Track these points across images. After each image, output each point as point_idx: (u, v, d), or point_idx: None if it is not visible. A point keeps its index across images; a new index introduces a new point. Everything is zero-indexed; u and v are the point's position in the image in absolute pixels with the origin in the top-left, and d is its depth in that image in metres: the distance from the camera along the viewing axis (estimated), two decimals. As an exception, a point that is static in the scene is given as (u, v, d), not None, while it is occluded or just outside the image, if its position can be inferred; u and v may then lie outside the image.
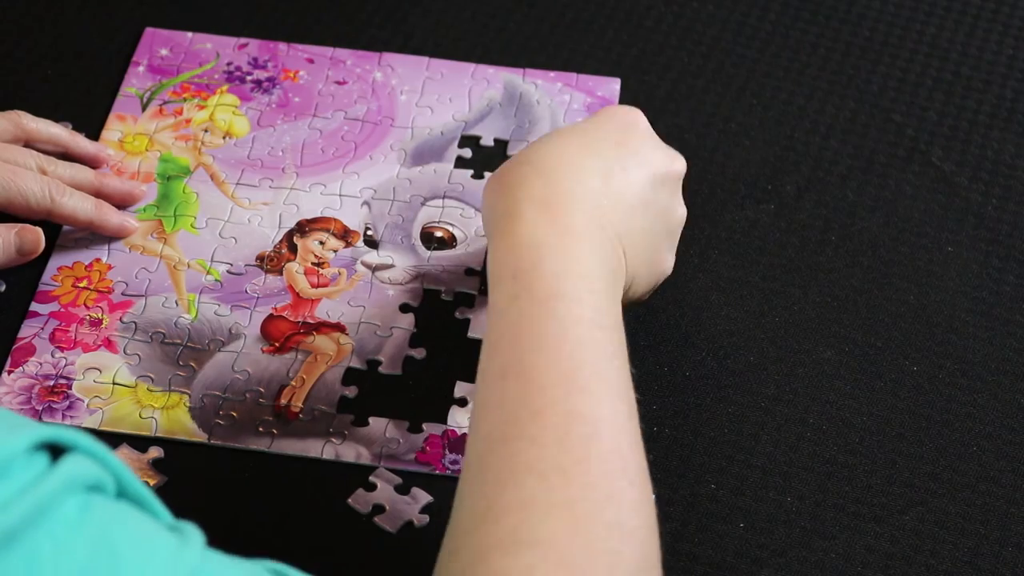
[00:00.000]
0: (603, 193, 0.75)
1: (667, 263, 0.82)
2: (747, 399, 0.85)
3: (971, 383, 0.86)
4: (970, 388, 0.86)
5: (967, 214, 0.95)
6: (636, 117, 0.81)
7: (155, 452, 0.81)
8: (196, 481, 0.81)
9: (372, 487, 0.80)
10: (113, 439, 0.81)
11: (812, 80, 1.02)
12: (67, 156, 0.93)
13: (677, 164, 0.81)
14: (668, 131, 0.94)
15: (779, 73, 1.03)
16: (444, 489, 0.80)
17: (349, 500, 0.80)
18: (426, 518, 0.79)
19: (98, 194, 0.90)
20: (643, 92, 1.00)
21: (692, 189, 0.95)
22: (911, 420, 0.85)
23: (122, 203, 0.91)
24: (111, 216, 0.89)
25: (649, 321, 0.88)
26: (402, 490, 0.80)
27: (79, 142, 0.93)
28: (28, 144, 0.92)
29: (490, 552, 0.61)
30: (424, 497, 0.80)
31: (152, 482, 0.80)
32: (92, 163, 0.93)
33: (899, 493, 0.81)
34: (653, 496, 0.67)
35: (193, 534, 0.54)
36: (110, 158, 0.94)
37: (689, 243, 0.92)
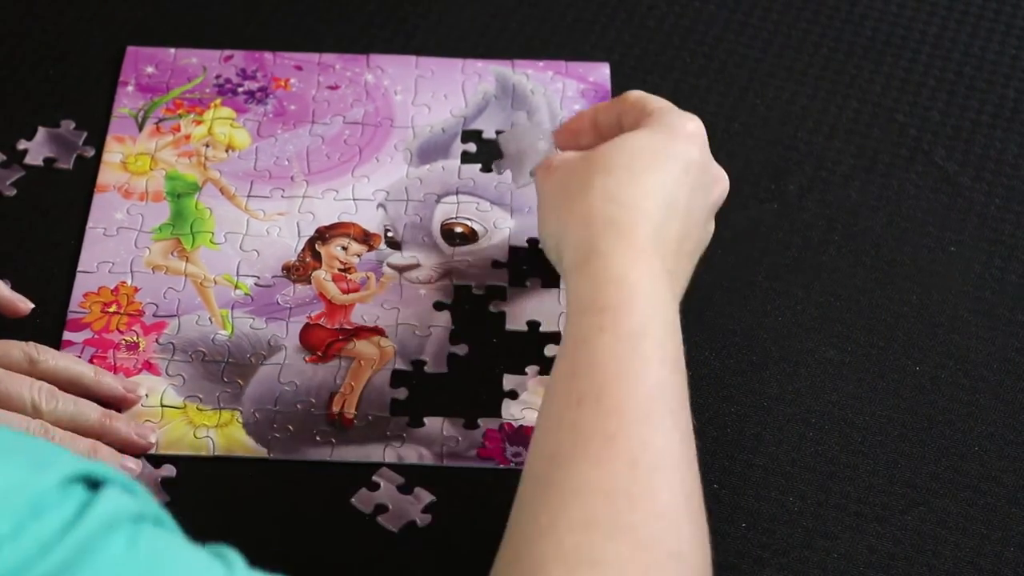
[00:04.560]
0: (679, 229, 0.76)
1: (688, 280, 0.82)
2: (749, 399, 0.85)
3: (973, 383, 0.86)
4: (972, 388, 0.86)
5: (970, 214, 0.95)
6: (697, 130, 0.79)
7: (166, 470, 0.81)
8: (196, 482, 0.81)
9: (375, 487, 0.80)
10: (172, 462, 0.81)
11: (815, 80, 1.02)
12: (91, 395, 0.82)
13: (726, 187, 0.81)
14: (670, 131, 0.94)
15: (782, 73, 1.03)
16: (446, 488, 0.80)
17: (352, 500, 0.80)
18: (429, 517, 0.79)
19: (100, 439, 0.79)
20: (645, 92, 1.00)
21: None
22: (913, 420, 0.85)
23: (126, 451, 0.80)
24: (108, 464, 0.77)
25: (651, 321, 0.88)
26: (405, 490, 0.80)
27: (104, 382, 0.82)
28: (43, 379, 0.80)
29: (550, 566, 0.61)
30: (427, 497, 0.80)
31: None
32: (119, 405, 0.82)
33: (901, 493, 0.81)
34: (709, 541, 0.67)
35: (235, 559, 0.54)
36: (142, 398, 0.83)
37: (691, 243, 0.92)
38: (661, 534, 0.63)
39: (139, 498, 0.53)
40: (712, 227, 0.82)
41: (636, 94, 0.83)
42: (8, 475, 0.49)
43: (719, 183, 0.81)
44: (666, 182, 0.76)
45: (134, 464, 0.79)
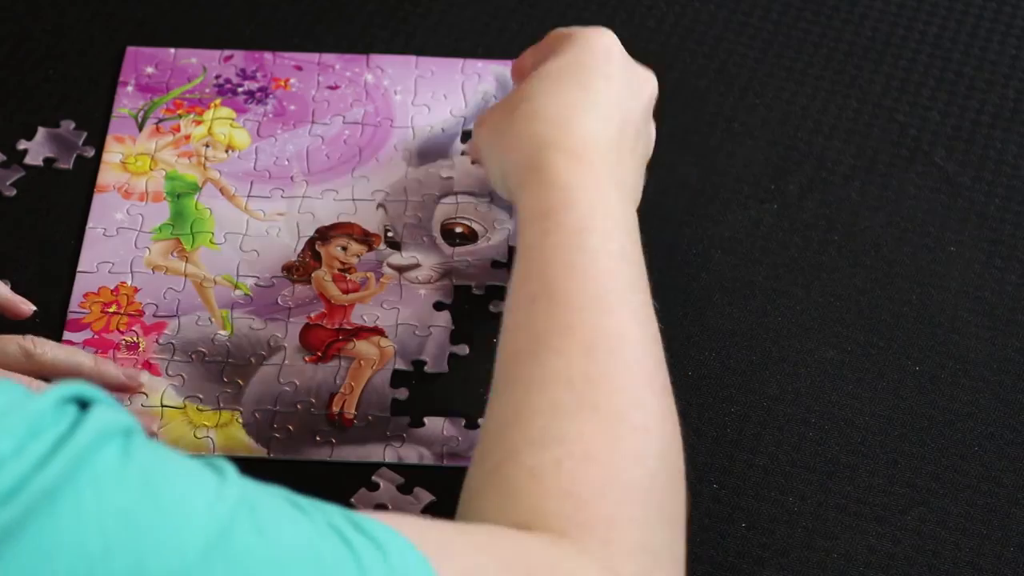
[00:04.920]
0: (614, 134, 0.79)
1: (640, 185, 0.85)
2: (749, 399, 0.85)
3: (973, 383, 0.86)
4: (972, 388, 0.86)
5: (970, 214, 0.95)
6: (610, 42, 0.83)
7: None
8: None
9: (375, 487, 0.80)
10: None
11: (815, 80, 1.02)
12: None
13: (654, 86, 0.85)
14: (671, 131, 0.94)
15: (782, 73, 1.03)
16: (447, 488, 0.80)
17: (352, 500, 0.80)
18: (428, 517, 0.79)
19: None
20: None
21: (695, 189, 0.95)
22: (913, 420, 0.85)
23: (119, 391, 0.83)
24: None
25: (651, 321, 0.88)
26: (404, 490, 0.80)
27: (105, 371, 0.82)
28: (41, 376, 0.80)
29: (519, 450, 0.65)
30: (426, 496, 0.80)
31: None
32: (122, 392, 0.83)
33: (901, 493, 0.81)
34: (675, 409, 0.70)
35: (228, 467, 0.54)
36: (143, 385, 0.84)
37: (692, 242, 0.92)
38: (623, 409, 0.66)
39: (130, 416, 0.53)
40: (652, 129, 0.85)
41: (556, 30, 0.87)
42: (6, 398, 0.50)
43: (647, 83, 0.84)
44: (587, 92, 0.79)
45: (146, 379, 0.84)
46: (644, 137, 0.83)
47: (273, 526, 0.53)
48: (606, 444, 0.65)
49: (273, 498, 0.55)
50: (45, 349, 0.80)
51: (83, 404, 0.52)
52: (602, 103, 0.79)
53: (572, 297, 0.70)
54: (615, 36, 0.83)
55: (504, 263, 0.90)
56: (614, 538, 0.63)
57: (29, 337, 0.80)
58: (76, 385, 0.52)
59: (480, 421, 0.83)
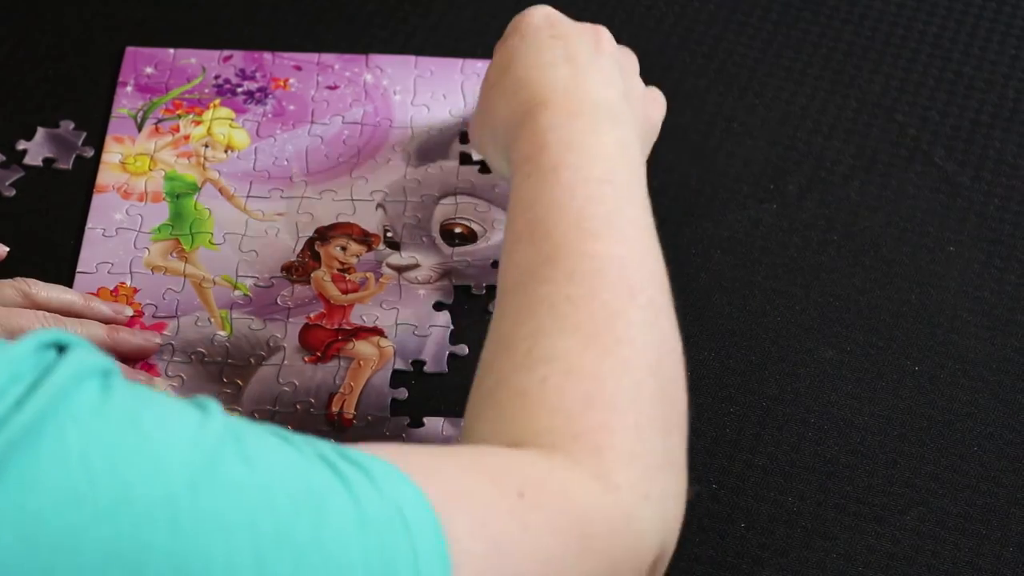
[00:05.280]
0: (571, 80, 0.80)
1: (655, 111, 0.88)
2: (749, 399, 0.85)
3: (972, 383, 0.86)
4: (971, 388, 0.86)
5: (969, 214, 0.95)
6: (548, 10, 0.86)
7: None
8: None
9: (373, 487, 0.80)
10: None
11: (814, 80, 1.02)
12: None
13: (608, 36, 0.86)
14: (670, 131, 0.93)
15: (781, 73, 1.03)
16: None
17: (350, 500, 0.80)
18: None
19: (111, 352, 0.83)
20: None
21: (695, 189, 0.95)
22: (912, 420, 0.85)
23: (137, 358, 0.85)
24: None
25: (651, 321, 0.88)
26: (403, 490, 0.80)
27: (93, 306, 0.86)
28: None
29: (507, 375, 0.66)
30: (425, 497, 0.80)
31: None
32: (112, 323, 0.86)
33: (900, 493, 0.81)
34: (674, 319, 0.71)
35: (212, 405, 0.54)
36: (128, 318, 0.87)
37: (691, 242, 0.92)
38: (605, 324, 0.67)
39: (109, 361, 0.54)
40: (639, 85, 0.87)
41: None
42: None
43: (596, 33, 0.85)
44: (547, 50, 0.82)
45: (158, 339, 0.85)
46: (626, 72, 0.85)
47: (260, 455, 0.53)
48: (589, 359, 0.66)
49: (259, 430, 0.55)
50: (38, 289, 0.85)
51: (61, 349, 0.52)
52: (548, 59, 0.81)
53: (552, 230, 0.71)
54: (546, 7, 0.86)
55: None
56: (605, 447, 0.63)
57: (21, 279, 0.85)
58: (53, 331, 0.52)
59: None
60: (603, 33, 0.85)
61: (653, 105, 0.88)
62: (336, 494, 0.53)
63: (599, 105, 0.79)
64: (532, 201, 0.74)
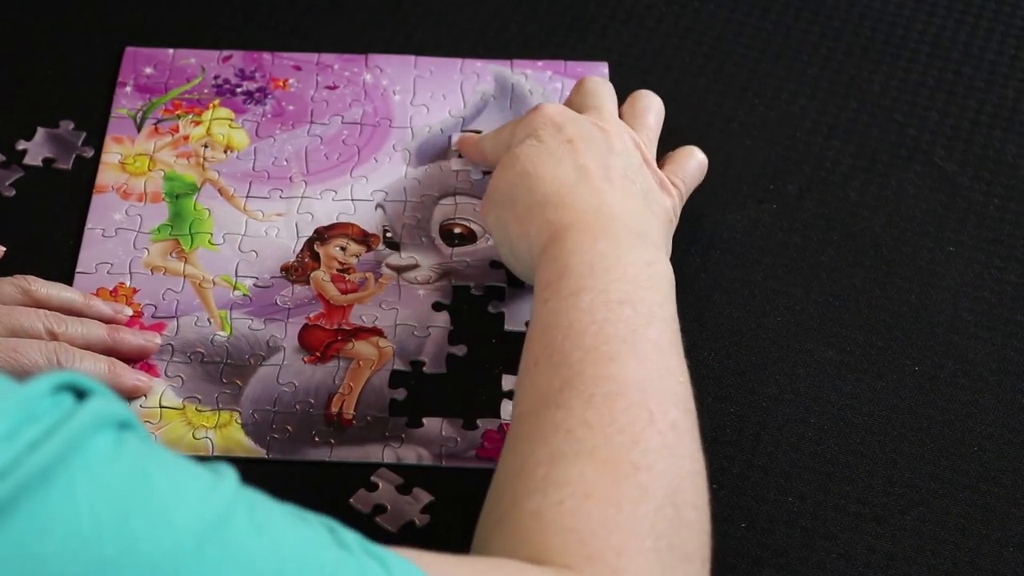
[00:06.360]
0: (597, 199, 0.81)
1: (665, 197, 0.87)
2: (749, 399, 0.85)
3: (972, 383, 0.86)
4: (971, 388, 0.86)
5: (969, 214, 0.95)
6: (555, 110, 0.86)
7: None
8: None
9: (374, 487, 0.80)
10: None
11: (814, 80, 1.02)
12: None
13: (630, 134, 0.87)
14: (670, 131, 0.94)
15: (781, 73, 1.03)
16: (445, 488, 0.80)
17: (351, 500, 0.80)
18: (427, 518, 0.79)
19: (111, 351, 0.83)
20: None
21: (695, 188, 0.95)
22: (912, 420, 0.85)
23: (137, 358, 0.85)
24: (125, 377, 0.83)
25: (650, 321, 0.88)
26: (403, 490, 0.80)
27: (93, 305, 0.86)
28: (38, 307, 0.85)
29: (522, 498, 0.66)
30: (425, 497, 0.80)
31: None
32: (112, 324, 0.86)
33: (900, 493, 0.81)
34: (697, 439, 0.71)
35: (227, 470, 0.54)
36: (128, 317, 0.87)
37: (691, 243, 0.92)
38: (623, 449, 0.67)
39: (127, 410, 0.53)
40: (653, 173, 0.86)
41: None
42: (1, 383, 0.51)
43: (621, 132, 0.86)
44: (556, 164, 0.83)
45: (150, 381, 0.84)
46: (645, 180, 0.85)
47: (271, 524, 0.53)
48: (606, 484, 0.65)
49: (273, 503, 0.55)
50: (38, 287, 0.84)
51: (80, 393, 0.52)
52: (593, 173, 0.82)
53: (570, 354, 0.71)
54: (549, 105, 0.87)
55: (502, 264, 0.90)
56: (621, 570, 0.63)
57: (20, 276, 0.85)
58: (69, 374, 0.52)
59: (479, 423, 0.83)
60: (612, 126, 0.86)
61: (665, 189, 0.87)
62: (347, 574, 0.53)
63: (622, 223, 0.79)
64: (550, 325, 0.74)
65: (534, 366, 0.73)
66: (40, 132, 0.97)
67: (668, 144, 0.92)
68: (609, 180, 0.82)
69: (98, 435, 0.50)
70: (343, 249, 0.91)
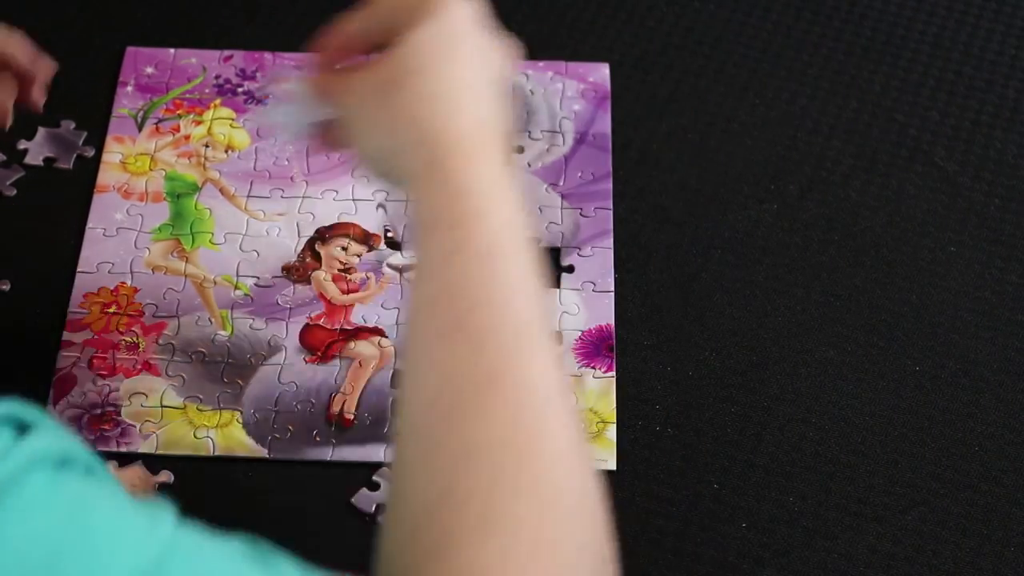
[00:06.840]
0: (499, 110, 0.70)
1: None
2: (750, 398, 0.85)
3: (973, 383, 0.86)
4: (972, 388, 0.86)
5: (970, 214, 0.95)
6: (471, 9, 0.72)
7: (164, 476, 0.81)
8: (196, 482, 0.81)
9: (375, 487, 0.80)
10: (171, 461, 0.82)
11: (814, 80, 1.02)
12: None
13: (507, 59, 0.73)
14: (671, 131, 0.94)
15: (781, 73, 1.03)
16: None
17: (352, 500, 0.80)
18: None
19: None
20: (644, 92, 1.00)
21: (695, 189, 0.95)
22: (913, 420, 0.85)
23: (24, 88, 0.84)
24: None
25: (653, 321, 0.88)
26: (404, 490, 0.80)
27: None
28: None
29: (459, 537, 0.57)
30: (426, 497, 0.80)
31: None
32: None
33: (901, 493, 0.81)
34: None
35: (165, 509, 0.53)
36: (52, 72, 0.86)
37: (692, 243, 0.92)
38: (562, 484, 0.59)
39: (69, 444, 0.52)
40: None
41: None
42: None
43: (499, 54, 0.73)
44: (470, 69, 0.70)
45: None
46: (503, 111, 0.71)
47: (208, 569, 0.51)
48: (550, 529, 0.58)
49: (212, 543, 0.53)
50: None
51: (23, 427, 0.51)
52: (485, 79, 0.70)
53: (490, 339, 0.62)
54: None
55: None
56: None
57: None
58: (12, 404, 0.51)
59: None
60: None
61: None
62: None
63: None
64: (462, 290, 0.63)
65: (443, 338, 0.62)
66: (41, 132, 0.97)
67: (668, 144, 0.92)
68: (501, 98, 0.70)
69: (33, 475, 0.49)
70: (344, 249, 0.91)
